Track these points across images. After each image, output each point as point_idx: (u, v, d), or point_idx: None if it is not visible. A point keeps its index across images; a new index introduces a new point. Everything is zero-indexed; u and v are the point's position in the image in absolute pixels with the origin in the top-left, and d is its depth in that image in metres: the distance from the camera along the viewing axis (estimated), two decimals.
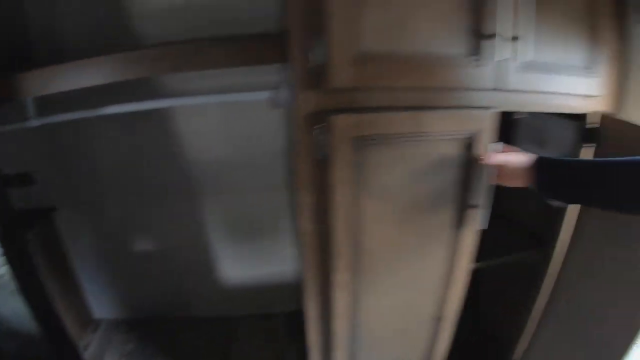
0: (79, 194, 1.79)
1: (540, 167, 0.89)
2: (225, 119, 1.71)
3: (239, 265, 2.16)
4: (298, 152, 0.92)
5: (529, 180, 0.91)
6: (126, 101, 1.43)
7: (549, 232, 1.30)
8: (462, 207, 1.04)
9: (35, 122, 1.37)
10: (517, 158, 0.95)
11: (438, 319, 1.26)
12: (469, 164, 0.99)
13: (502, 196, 1.40)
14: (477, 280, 1.69)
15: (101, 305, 2.03)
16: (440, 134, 0.93)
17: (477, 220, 1.05)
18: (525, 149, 1.45)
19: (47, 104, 1.36)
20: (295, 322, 1.86)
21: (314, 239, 1.02)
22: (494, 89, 0.95)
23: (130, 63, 1.21)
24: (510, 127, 1.47)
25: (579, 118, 1.14)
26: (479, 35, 0.88)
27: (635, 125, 1.05)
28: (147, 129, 1.71)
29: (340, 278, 1.03)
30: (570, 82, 1.06)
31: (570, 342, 1.31)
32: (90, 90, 1.24)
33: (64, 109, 1.42)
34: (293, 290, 2.06)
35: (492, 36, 0.87)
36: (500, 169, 0.96)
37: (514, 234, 1.49)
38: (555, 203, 0.91)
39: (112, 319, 2.07)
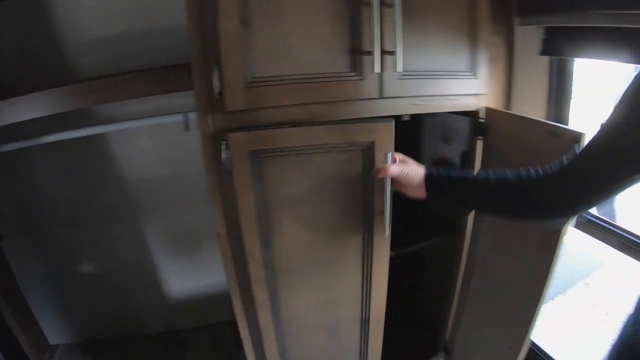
0: (24, 221, 1.84)
1: (429, 182, 0.97)
2: (156, 141, 1.82)
3: (183, 279, 2.23)
4: (207, 166, 1.02)
5: (423, 193, 0.98)
6: (63, 129, 1.56)
7: (459, 218, 1.45)
8: (369, 213, 1.15)
9: None
10: (412, 170, 0.99)
11: (366, 322, 1.36)
12: (369, 173, 1.09)
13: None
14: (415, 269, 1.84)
15: (55, 330, 2.06)
16: (335, 146, 1.03)
17: (383, 226, 1.14)
18: (434, 145, 1.60)
19: None
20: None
21: (228, 241, 1.14)
22: (380, 98, 1.07)
23: (64, 97, 1.30)
24: (418, 126, 1.62)
25: (472, 115, 1.29)
26: (357, 52, 1.00)
27: (514, 115, 1.20)
28: (85, 154, 1.79)
29: (255, 274, 1.13)
30: (456, 84, 1.19)
31: (486, 314, 1.45)
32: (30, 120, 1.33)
33: (4, 140, 1.51)
34: None
35: (369, 52, 0.99)
36: (398, 180, 1.01)
37: (431, 223, 1.63)
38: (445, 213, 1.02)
39: (67, 344, 2.10)
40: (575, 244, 1.81)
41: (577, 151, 0.79)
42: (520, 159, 1.08)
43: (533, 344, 1.62)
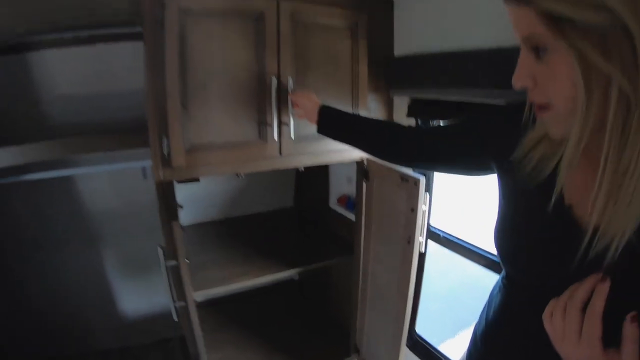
0: None
1: (321, 109, 1.30)
2: (114, 180, 2.18)
3: (134, 299, 2.48)
4: (159, 204, 1.41)
5: (315, 118, 1.31)
6: (36, 171, 1.90)
7: (352, 240, 1.91)
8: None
9: None
10: (310, 96, 1.35)
11: None
12: None
13: (330, 221, 1.98)
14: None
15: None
16: None
17: None
18: (340, 184, 2.04)
19: None
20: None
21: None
22: (280, 156, 1.52)
23: (40, 150, 1.66)
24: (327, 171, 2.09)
25: (359, 164, 1.76)
26: (263, 124, 1.45)
27: (382, 165, 1.63)
28: (53, 189, 2.10)
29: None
30: None
31: (378, 315, 1.85)
32: None
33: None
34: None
35: (270, 124, 1.45)
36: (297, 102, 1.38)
37: (335, 244, 2.08)
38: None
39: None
40: None
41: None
42: (387, 195, 1.56)
43: (419, 336, 2.03)
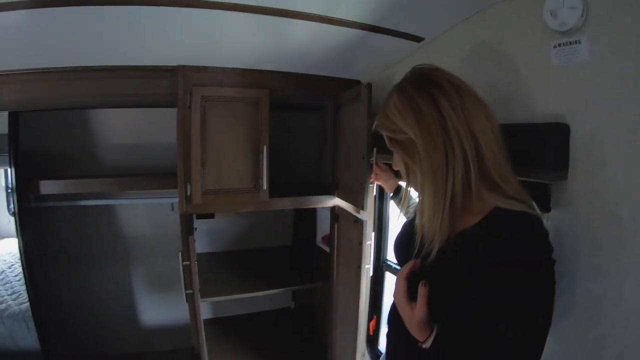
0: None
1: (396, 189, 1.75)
2: (147, 211, 2.72)
3: (153, 312, 2.83)
4: (182, 233, 1.99)
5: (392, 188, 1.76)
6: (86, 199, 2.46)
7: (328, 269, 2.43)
8: None
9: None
10: (389, 175, 1.76)
11: None
12: None
13: (315, 256, 2.53)
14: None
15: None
16: None
17: None
18: (326, 223, 2.56)
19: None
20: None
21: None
22: (269, 200, 2.10)
23: (94, 184, 2.27)
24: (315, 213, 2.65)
25: (332, 209, 2.31)
26: (256, 177, 2.05)
27: (344, 210, 2.19)
28: (95, 216, 2.63)
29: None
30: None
31: (343, 328, 2.30)
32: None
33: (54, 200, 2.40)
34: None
35: (261, 178, 2.03)
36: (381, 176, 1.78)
37: (318, 272, 2.60)
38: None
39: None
40: None
41: None
42: (347, 233, 2.09)
43: (380, 352, 2.36)
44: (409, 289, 0.94)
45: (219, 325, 2.98)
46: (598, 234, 1.13)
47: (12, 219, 2.40)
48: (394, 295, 0.98)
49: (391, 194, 1.81)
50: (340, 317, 2.33)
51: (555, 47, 1.25)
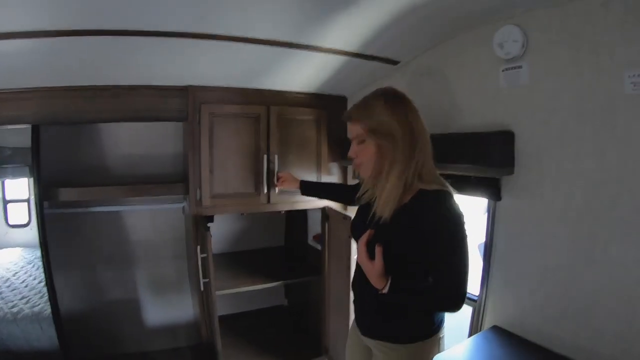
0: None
1: (302, 184, 2.14)
2: (153, 216, 2.90)
3: (156, 312, 2.92)
4: (192, 231, 2.25)
5: (296, 187, 2.16)
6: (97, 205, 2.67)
7: (320, 264, 2.70)
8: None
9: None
10: (291, 176, 2.22)
11: None
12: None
13: (308, 254, 2.81)
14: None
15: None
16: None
17: None
18: (317, 224, 2.84)
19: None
20: (197, 353, 2.77)
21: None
22: (268, 203, 2.38)
23: (105, 192, 2.50)
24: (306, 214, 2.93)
25: (322, 210, 2.60)
26: (257, 182, 2.33)
27: (333, 209, 2.48)
28: (103, 221, 2.76)
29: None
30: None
31: (337, 317, 2.50)
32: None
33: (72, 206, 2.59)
34: (194, 329, 2.90)
35: (262, 182, 2.32)
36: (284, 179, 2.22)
37: (310, 267, 2.87)
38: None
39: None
40: None
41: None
42: (336, 230, 2.37)
43: None
44: (367, 251, 1.25)
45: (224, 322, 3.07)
46: (539, 215, 1.49)
47: (9, 230, 2.62)
48: (358, 259, 1.29)
49: (301, 192, 2.19)
50: (333, 307, 2.55)
51: (503, 71, 1.60)
